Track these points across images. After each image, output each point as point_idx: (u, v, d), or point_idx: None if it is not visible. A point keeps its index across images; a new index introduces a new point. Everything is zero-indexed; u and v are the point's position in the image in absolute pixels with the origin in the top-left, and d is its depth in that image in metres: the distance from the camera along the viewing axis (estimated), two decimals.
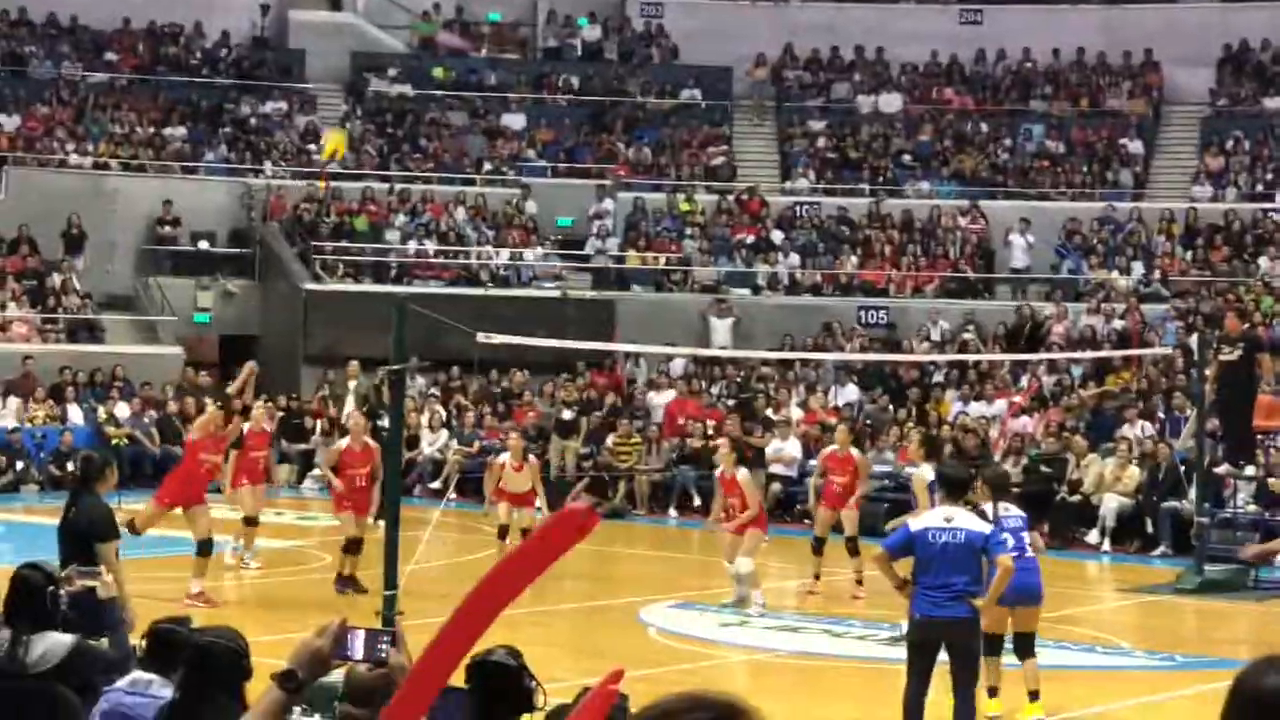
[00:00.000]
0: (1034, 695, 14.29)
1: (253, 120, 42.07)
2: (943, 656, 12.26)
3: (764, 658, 17.74)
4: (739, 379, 34.44)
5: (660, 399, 33.54)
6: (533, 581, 3.65)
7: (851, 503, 21.63)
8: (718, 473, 20.82)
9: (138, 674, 8.36)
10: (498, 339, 22.24)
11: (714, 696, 2.53)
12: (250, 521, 22.00)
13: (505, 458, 22.83)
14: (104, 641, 9.81)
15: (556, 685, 7.36)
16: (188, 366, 35.33)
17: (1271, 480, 25.57)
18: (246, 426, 22.47)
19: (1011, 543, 13.99)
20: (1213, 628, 20.73)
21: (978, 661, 12.22)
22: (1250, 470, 24.93)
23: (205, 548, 19.35)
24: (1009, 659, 14.40)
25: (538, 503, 22.59)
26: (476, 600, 3.70)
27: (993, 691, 14.17)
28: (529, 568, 3.69)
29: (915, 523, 12.34)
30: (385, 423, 22.37)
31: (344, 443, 21.19)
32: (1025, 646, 14.32)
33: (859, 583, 20.92)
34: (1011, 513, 14.35)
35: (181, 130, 41.10)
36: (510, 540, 21.86)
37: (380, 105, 43.17)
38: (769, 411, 31.79)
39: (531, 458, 23.44)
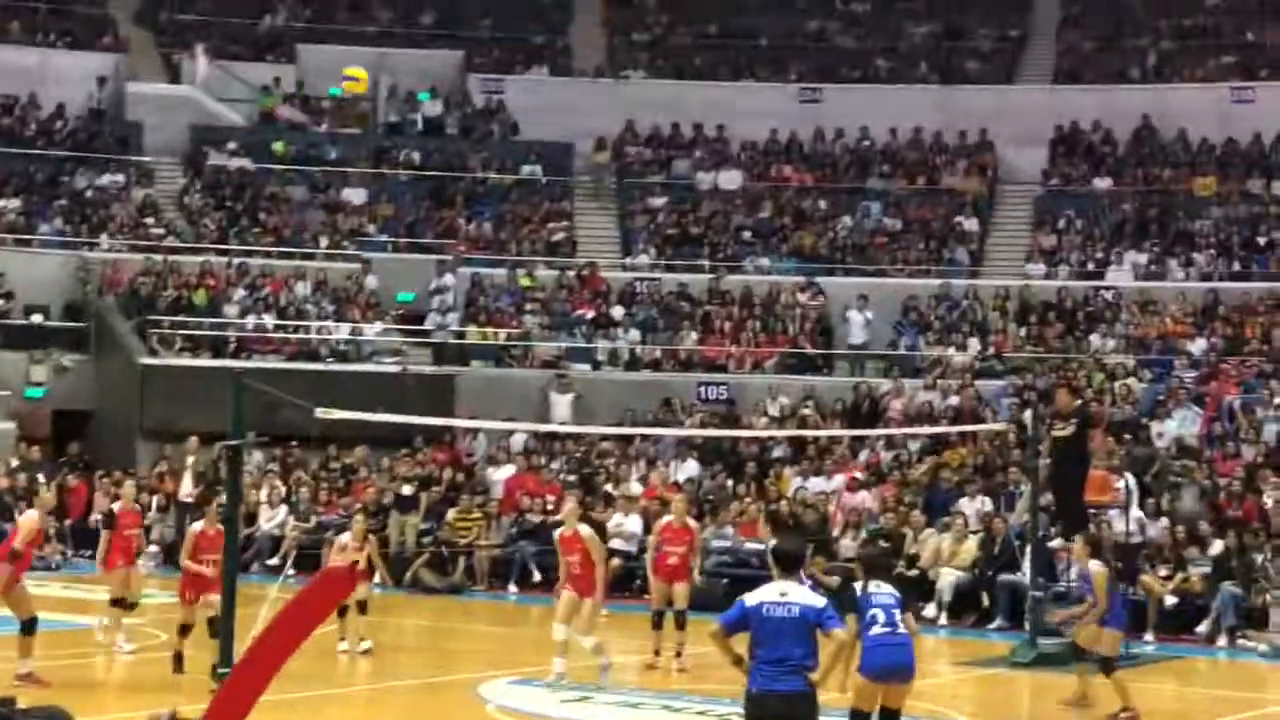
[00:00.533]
0: None
1: (89, 193, 41.65)
2: None
3: None
4: (579, 454, 34.46)
5: (499, 474, 33.46)
6: (304, 639, 3.67)
7: (689, 575, 21.75)
8: (558, 534, 20.71)
9: None
10: (336, 414, 22.07)
11: None
12: (119, 603, 21.43)
13: (346, 537, 22.66)
14: None
15: None
16: (20, 441, 34.80)
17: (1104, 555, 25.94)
18: (117, 506, 22.11)
19: (883, 618, 14.17)
20: (1046, 700, 20.94)
21: None
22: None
23: (30, 626, 18.94)
24: None
25: (376, 577, 22.39)
26: (252, 659, 3.72)
27: None
28: (299, 626, 3.72)
29: (750, 597, 12.35)
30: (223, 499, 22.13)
31: (198, 527, 20.71)
32: None
33: (678, 654, 21.09)
34: (883, 590, 14.45)
35: (16, 202, 40.63)
36: (349, 616, 21.69)
37: (219, 179, 42.92)
38: (609, 487, 31.82)
39: (370, 537, 23.27)
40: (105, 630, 21.56)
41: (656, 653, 21.45)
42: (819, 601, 12.24)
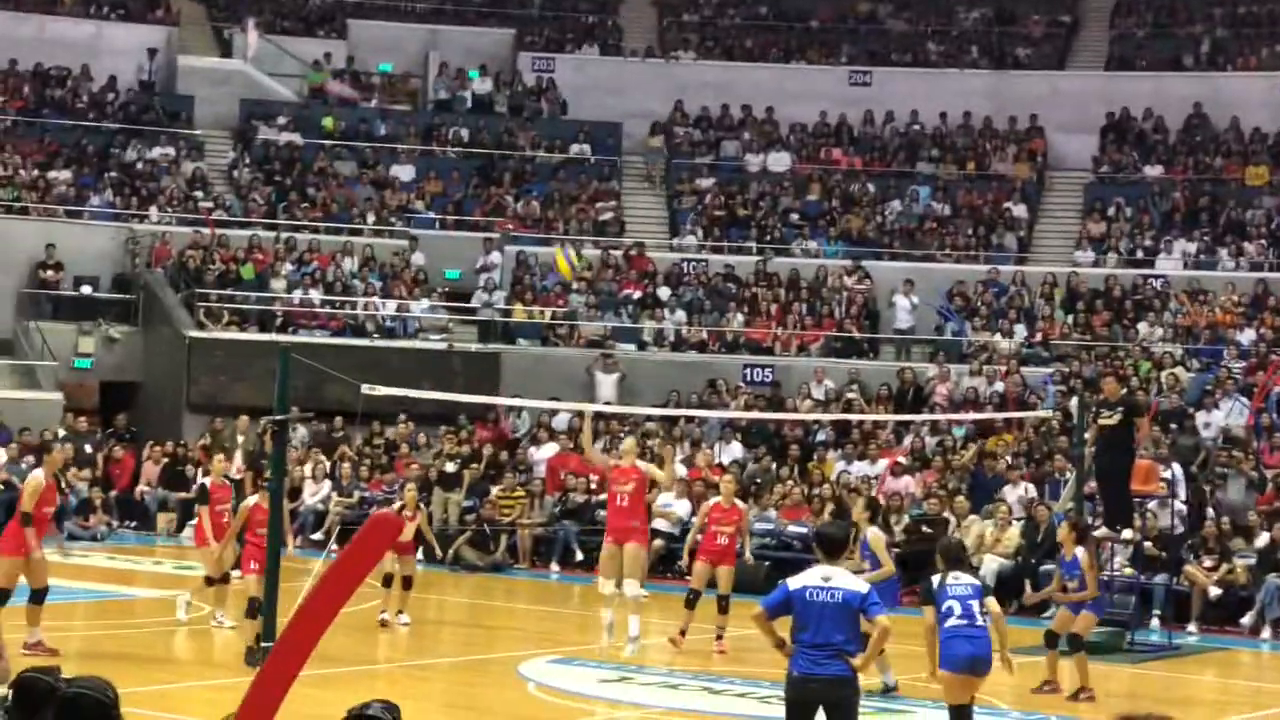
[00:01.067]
0: None
1: (139, 165, 41.80)
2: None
3: (643, 714, 17.71)
4: (623, 434, 34.40)
5: (542, 453, 33.47)
6: (354, 588, 3.67)
7: (735, 558, 21.83)
8: (612, 463, 20.92)
9: None
10: (382, 390, 22.17)
11: None
12: (212, 581, 21.29)
13: (397, 506, 22.77)
14: None
15: None
16: (68, 412, 34.97)
17: (1147, 544, 25.86)
18: (209, 480, 22.03)
19: (959, 610, 14.18)
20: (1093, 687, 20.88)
21: (857, 718, 12.23)
22: (1127, 534, 25.17)
23: (39, 596, 18.79)
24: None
25: (420, 552, 22.48)
26: (302, 617, 3.71)
27: None
28: (349, 576, 3.72)
29: (793, 581, 12.35)
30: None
31: (253, 500, 20.65)
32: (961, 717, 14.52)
33: (719, 638, 21.11)
34: (961, 581, 14.45)
35: (66, 174, 40.77)
36: (393, 588, 21.79)
37: (268, 153, 43.02)
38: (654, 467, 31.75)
39: (422, 508, 23.39)
40: (190, 607, 21.44)
41: (682, 632, 21.36)
42: (863, 587, 12.25)
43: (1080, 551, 19.35)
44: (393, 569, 21.97)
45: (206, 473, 32.22)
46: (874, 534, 19.43)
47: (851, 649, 12.02)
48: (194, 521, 24.50)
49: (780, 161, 43.26)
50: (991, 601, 14.66)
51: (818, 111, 44.11)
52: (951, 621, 14.29)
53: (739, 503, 22.66)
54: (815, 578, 12.20)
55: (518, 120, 44.92)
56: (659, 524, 29.26)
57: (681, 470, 31.57)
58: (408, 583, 22.01)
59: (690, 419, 33.81)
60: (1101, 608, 20.04)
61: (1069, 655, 19.26)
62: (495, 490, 31.28)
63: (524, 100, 45.68)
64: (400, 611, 22.04)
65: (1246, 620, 25.78)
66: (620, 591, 20.10)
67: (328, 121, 44.09)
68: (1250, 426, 31.47)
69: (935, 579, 14.50)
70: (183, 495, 32.84)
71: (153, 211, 40.25)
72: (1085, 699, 18.80)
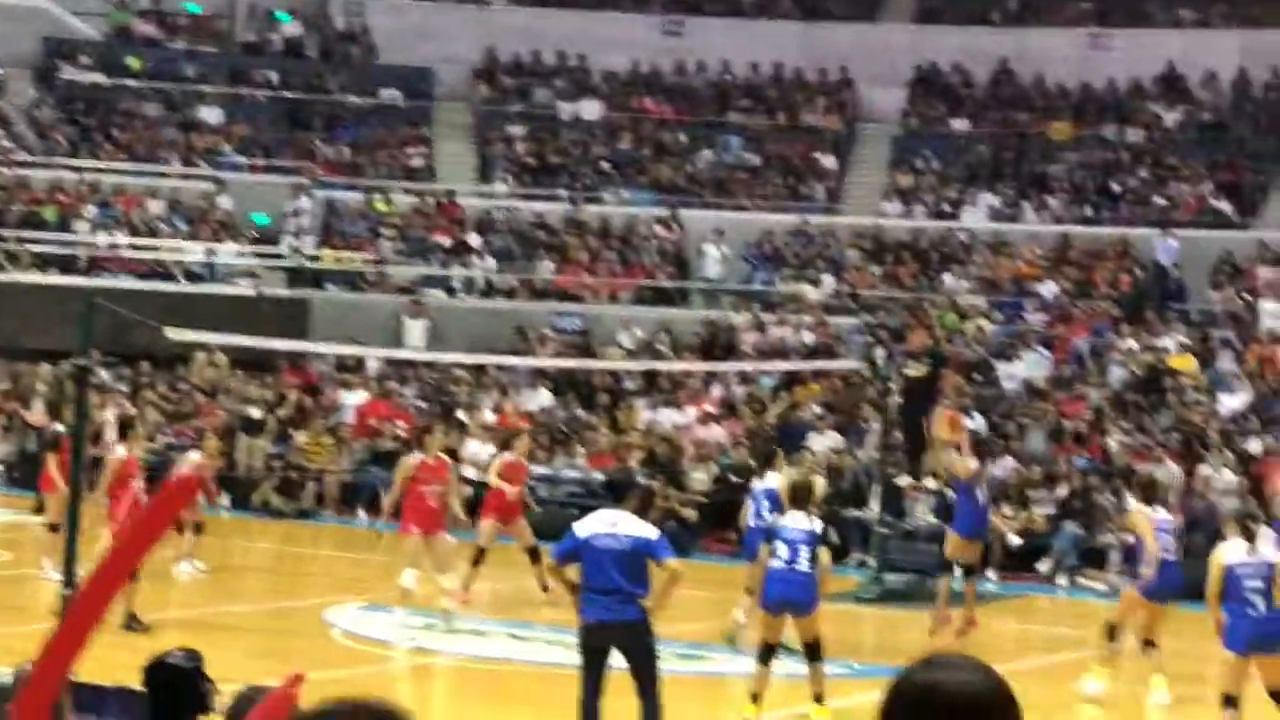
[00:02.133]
0: (818, 698, 14.86)
1: None
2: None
3: (449, 662, 17.70)
4: (432, 381, 34.35)
5: (352, 399, 33.28)
6: (155, 543, 3.62)
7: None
8: (418, 459, 20.03)
9: None
10: (188, 335, 21.91)
11: (373, 702, 2.50)
12: (55, 528, 20.54)
13: (196, 455, 22.50)
14: None
15: (234, 687, 7.25)
16: None
17: (949, 493, 26.25)
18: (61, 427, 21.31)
19: (785, 553, 14.32)
20: (890, 636, 21.20)
21: (655, 662, 12.26)
22: (931, 483, 25.55)
23: None
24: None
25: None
26: (99, 575, 3.65)
27: (754, 697, 14.56)
28: (149, 532, 3.66)
29: (580, 528, 12.35)
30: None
31: (121, 453, 20.01)
32: (812, 652, 14.70)
33: (545, 589, 20.97)
34: (796, 524, 14.55)
35: None
36: (186, 533, 21.56)
37: (72, 93, 42.18)
38: (461, 414, 31.75)
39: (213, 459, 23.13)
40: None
41: (466, 588, 20.90)
42: (651, 532, 12.26)
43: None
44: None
45: (7, 421, 31.81)
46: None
47: (640, 593, 12.05)
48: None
49: (592, 109, 43.19)
50: (824, 552, 14.87)
51: (630, 60, 44.07)
52: (774, 563, 14.48)
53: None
54: (603, 524, 12.21)
55: (328, 64, 44.42)
56: (466, 470, 29.21)
57: (490, 417, 31.59)
58: (198, 528, 21.80)
59: (499, 366, 33.77)
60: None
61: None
62: (302, 436, 31.04)
63: (334, 44, 45.19)
64: (193, 557, 21.78)
65: (1044, 567, 26.32)
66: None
67: (133, 61, 43.28)
68: (1052, 378, 32.06)
69: (777, 516, 14.81)
70: None
71: None
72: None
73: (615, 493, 12.61)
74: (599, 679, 12.10)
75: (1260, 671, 13.86)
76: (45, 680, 3.75)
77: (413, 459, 19.92)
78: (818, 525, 14.87)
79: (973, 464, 20.07)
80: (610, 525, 12.18)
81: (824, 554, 14.92)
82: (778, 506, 15.43)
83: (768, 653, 14.64)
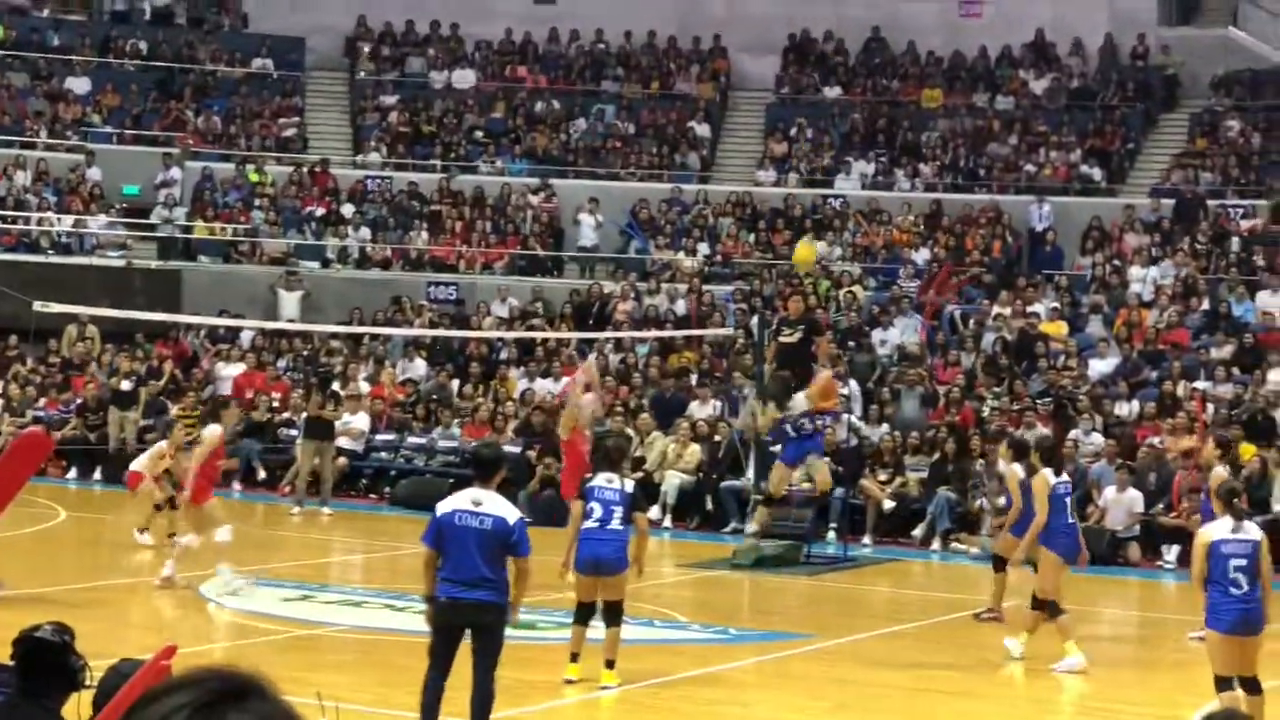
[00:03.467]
0: (610, 664, 14.69)
1: None
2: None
3: (325, 632, 17.64)
4: (307, 352, 34.18)
5: (229, 370, 33.07)
6: (10, 500, 3.57)
7: None
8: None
9: None
10: (57, 307, 21.65)
11: (231, 668, 2.48)
12: None
13: (163, 445, 22.58)
14: None
15: (108, 661, 7.19)
16: None
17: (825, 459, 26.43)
18: None
19: (599, 512, 14.35)
20: (765, 601, 21.32)
21: (500, 643, 12.11)
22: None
23: None
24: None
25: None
26: None
27: (574, 657, 14.60)
28: (5, 487, 3.61)
29: (443, 506, 12.19)
30: None
31: None
32: (611, 616, 14.68)
33: None
34: (611, 485, 14.59)
35: None
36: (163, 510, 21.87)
37: None
38: (337, 385, 31.60)
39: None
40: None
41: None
42: (513, 515, 12.08)
43: (1011, 470, 18.86)
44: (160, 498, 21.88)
45: None
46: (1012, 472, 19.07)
47: (495, 578, 11.86)
48: None
49: (465, 79, 43.04)
50: (640, 517, 14.94)
51: (503, 29, 43.93)
52: (588, 523, 14.52)
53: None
54: (465, 501, 12.08)
55: (198, 33, 43.96)
56: (342, 441, 29.13)
57: (365, 387, 31.47)
58: (171, 503, 21.82)
59: (374, 337, 33.67)
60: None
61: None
62: (174, 408, 30.75)
63: (205, 13, 44.72)
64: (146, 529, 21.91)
65: (918, 532, 26.57)
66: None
67: None
68: (924, 343, 32.32)
69: (589, 476, 14.86)
70: None
71: None
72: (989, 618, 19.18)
73: (481, 470, 12.40)
74: (449, 656, 11.94)
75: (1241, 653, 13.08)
76: None
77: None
78: (629, 486, 14.87)
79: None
80: (473, 504, 12.01)
81: (640, 518, 14.97)
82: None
83: (585, 612, 14.74)
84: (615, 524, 14.48)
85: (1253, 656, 12.92)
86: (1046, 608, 16.63)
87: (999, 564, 19.14)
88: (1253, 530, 13.17)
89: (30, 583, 17.93)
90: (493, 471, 12.23)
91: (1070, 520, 17.07)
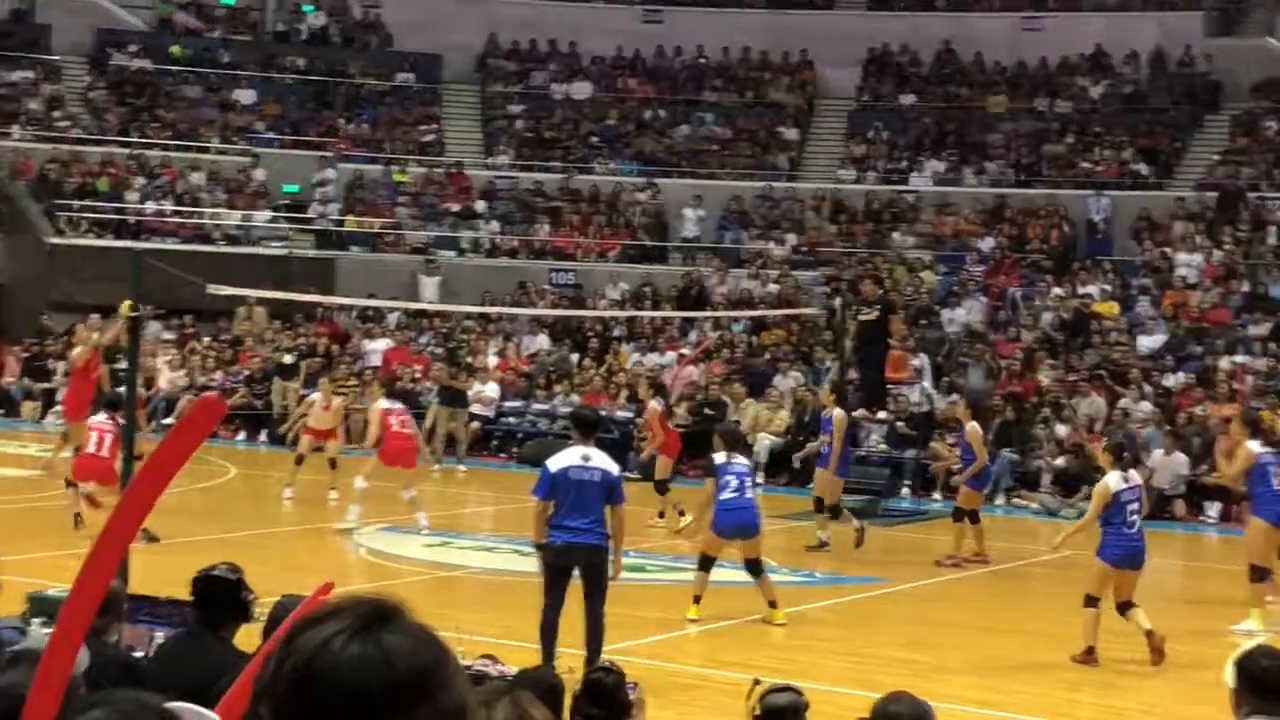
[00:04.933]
0: (773, 604, 15.07)
1: (1, 88, 40.64)
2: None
3: (460, 574, 17.80)
4: (444, 330, 34.43)
5: (376, 346, 33.37)
6: (187, 458, 3.64)
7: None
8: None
9: None
10: (227, 291, 21.87)
11: (379, 596, 2.55)
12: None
13: (315, 396, 22.75)
14: None
15: (273, 598, 7.32)
16: None
17: (900, 424, 26.37)
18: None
19: (735, 484, 14.72)
20: (847, 549, 21.28)
21: (607, 581, 12.32)
22: (882, 415, 25.66)
23: None
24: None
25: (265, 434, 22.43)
26: (142, 478, 3.68)
27: (697, 599, 14.82)
28: (179, 451, 3.68)
29: (553, 463, 12.33)
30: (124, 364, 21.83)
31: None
32: (754, 570, 15.09)
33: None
34: (739, 461, 14.94)
35: None
36: (301, 466, 22.30)
37: (121, 77, 42.03)
38: (470, 358, 31.85)
39: (335, 399, 23.14)
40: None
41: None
42: (614, 468, 12.31)
43: (971, 427, 19.59)
44: (307, 452, 22.42)
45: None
46: (838, 415, 19.56)
47: (601, 524, 12.11)
48: (56, 408, 24.11)
49: (582, 90, 43.09)
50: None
51: (615, 46, 43.94)
52: (727, 494, 14.71)
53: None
54: (575, 457, 12.22)
55: (350, 51, 44.27)
56: (475, 407, 29.36)
57: (494, 360, 31.70)
58: (332, 464, 22.07)
59: (503, 316, 33.88)
60: (984, 482, 20.51)
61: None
62: (327, 379, 31.03)
63: (355, 32, 45.03)
64: (332, 489, 22.04)
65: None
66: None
67: (176, 49, 43.11)
68: (988, 322, 32.14)
69: (718, 457, 14.99)
70: (45, 385, 32.24)
71: (14, 129, 39.21)
72: (977, 562, 19.25)
73: (583, 428, 12.57)
74: (563, 593, 12.15)
75: (1119, 585, 14.23)
76: (89, 587, 3.78)
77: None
78: (750, 464, 15.36)
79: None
80: (583, 459, 12.17)
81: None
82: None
83: (709, 563, 15.00)
84: (749, 494, 14.91)
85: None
86: (1263, 573, 15.94)
87: (960, 515, 19.34)
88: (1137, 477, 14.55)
89: (206, 530, 18.20)
90: (594, 430, 12.50)
91: (1277, 489, 16.04)
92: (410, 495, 19.84)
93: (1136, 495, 14.37)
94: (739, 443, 15.48)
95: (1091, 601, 14.14)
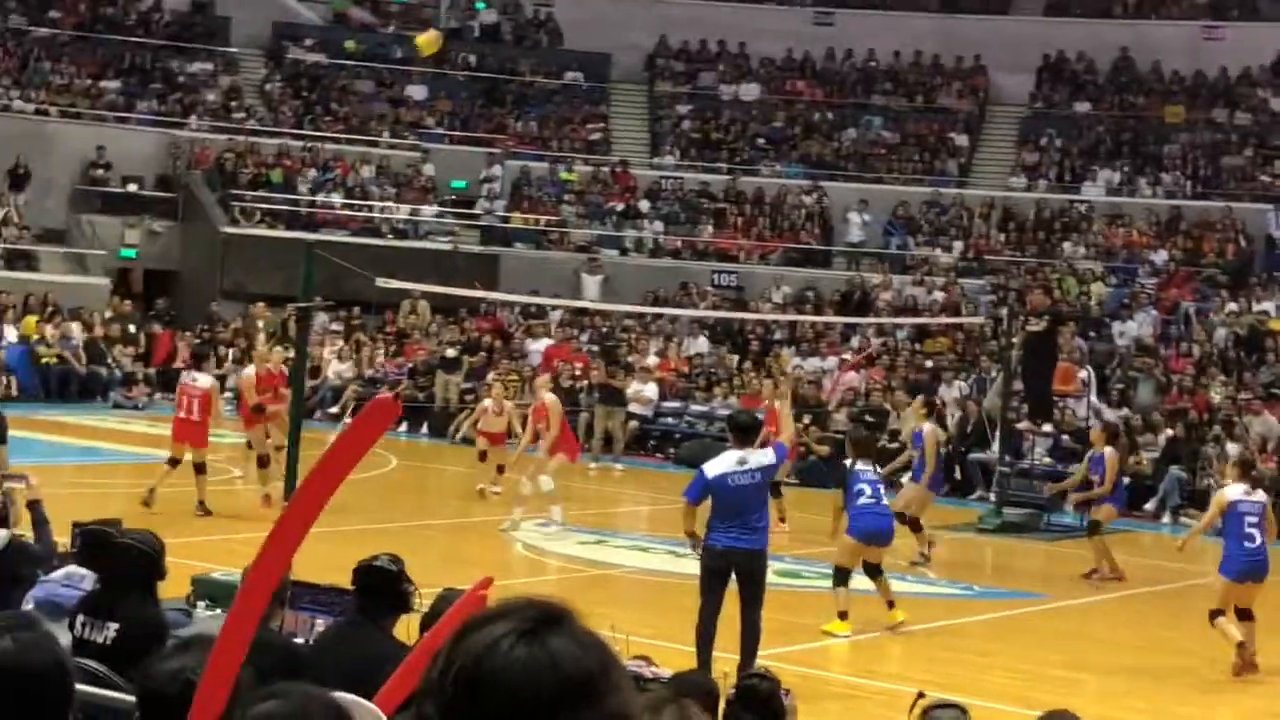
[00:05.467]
0: (890, 604, 15.05)
1: (181, 78, 41.50)
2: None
3: (615, 573, 17.84)
4: (606, 329, 34.56)
5: (537, 344, 33.56)
6: (359, 458, 3.67)
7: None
8: (535, 404, 20.69)
9: (73, 568, 8.31)
10: (394, 284, 22.15)
11: (545, 599, 2.56)
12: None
13: (487, 403, 22.81)
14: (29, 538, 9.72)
15: (432, 590, 7.39)
16: (114, 296, 34.96)
17: (1065, 437, 26.01)
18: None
19: (869, 491, 14.65)
20: (1007, 563, 21.06)
21: (764, 586, 12.32)
22: (1048, 428, 25.32)
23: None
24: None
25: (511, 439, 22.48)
26: (317, 476, 3.72)
27: (843, 615, 14.65)
28: (353, 449, 3.71)
29: (711, 469, 12.29)
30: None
31: (249, 371, 20.81)
32: (875, 572, 15.03)
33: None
34: (869, 469, 14.86)
35: (116, 83, 40.45)
36: (486, 462, 22.34)
37: (297, 71, 42.73)
38: (630, 358, 31.92)
39: (507, 403, 23.09)
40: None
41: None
42: (772, 457, 12.39)
43: (1109, 451, 19.46)
44: (489, 450, 22.37)
45: (240, 354, 32.36)
46: (929, 429, 19.49)
47: (761, 526, 12.18)
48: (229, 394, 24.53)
49: (750, 92, 43.04)
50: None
51: (785, 48, 43.83)
52: (863, 501, 14.66)
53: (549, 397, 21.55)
54: (732, 462, 12.18)
55: (520, 49, 44.61)
56: (633, 407, 29.45)
57: (654, 360, 31.75)
58: (501, 470, 22.11)
59: (664, 316, 33.94)
60: (1120, 501, 20.38)
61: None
62: (492, 374, 31.28)
63: (526, 31, 45.37)
64: (494, 483, 22.22)
65: (1150, 506, 25.98)
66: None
67: (350, 44, 43.73)
68: (1159, 336, 31.60)
69: (851, 464, 14.97)
70: (216, 372, 32.78)
71: (192, 120, 40.02)
72: (1098, 579, 19.03)
73: (743, 434, 12.56)
74: (721, 597, 12.14)
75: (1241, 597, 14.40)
76: (262, 579, 3.83)
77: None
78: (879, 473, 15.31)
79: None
80: (739, 463, 12.15)
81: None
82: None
83: (845, 575, 14.79)
84: (884, 501, 14.84)
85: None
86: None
87: (908, 521, 18.69)
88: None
89: (368, 519, 18.43)
90: (750, 434, 12.48)
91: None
92: (549, 485, 19.89)
93: (1258, 511, 14.53)
94: (872, 453, 15.44)
95: (1216, 615, 14.31)
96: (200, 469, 19.15)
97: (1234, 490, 14.62)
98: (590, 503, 21.39)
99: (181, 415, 19.47)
